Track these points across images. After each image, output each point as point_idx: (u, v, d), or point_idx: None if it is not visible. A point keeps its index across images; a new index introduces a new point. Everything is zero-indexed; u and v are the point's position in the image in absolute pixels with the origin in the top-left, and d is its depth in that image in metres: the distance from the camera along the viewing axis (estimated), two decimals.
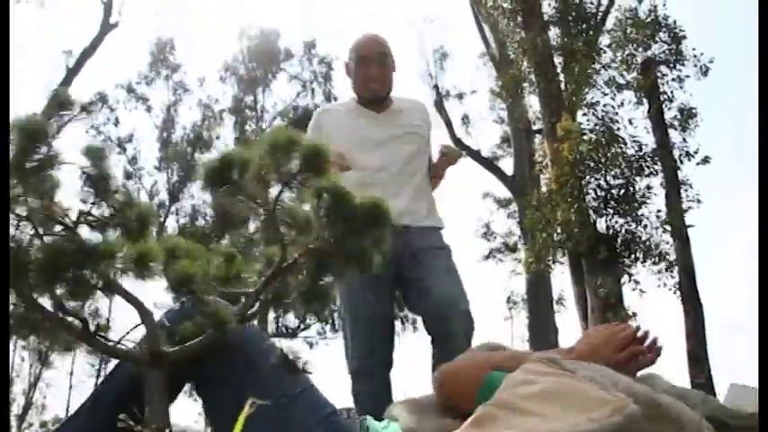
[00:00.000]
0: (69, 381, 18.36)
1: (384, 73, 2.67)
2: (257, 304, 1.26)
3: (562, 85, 9.59)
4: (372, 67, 2.65)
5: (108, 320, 1.33)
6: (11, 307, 1.20)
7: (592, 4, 9.93)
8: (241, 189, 1.18)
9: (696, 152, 8.96)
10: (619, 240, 8.47)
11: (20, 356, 18.22)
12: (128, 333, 1.27)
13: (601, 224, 8.64)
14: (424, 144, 2.77)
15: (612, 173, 8.62)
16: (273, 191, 1.18)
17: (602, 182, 8.65)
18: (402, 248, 2.45)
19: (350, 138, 2.61)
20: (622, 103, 8.95)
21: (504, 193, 15.34)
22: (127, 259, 1.21)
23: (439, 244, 2.63)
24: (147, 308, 1.23)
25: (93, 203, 1.25)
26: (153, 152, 19.61)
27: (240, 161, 1.17)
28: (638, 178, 8.63)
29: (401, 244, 2.43)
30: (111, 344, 1.21)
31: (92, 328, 1.18)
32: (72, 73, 13.02)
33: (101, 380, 1.42)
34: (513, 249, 15.61)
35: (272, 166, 1.15)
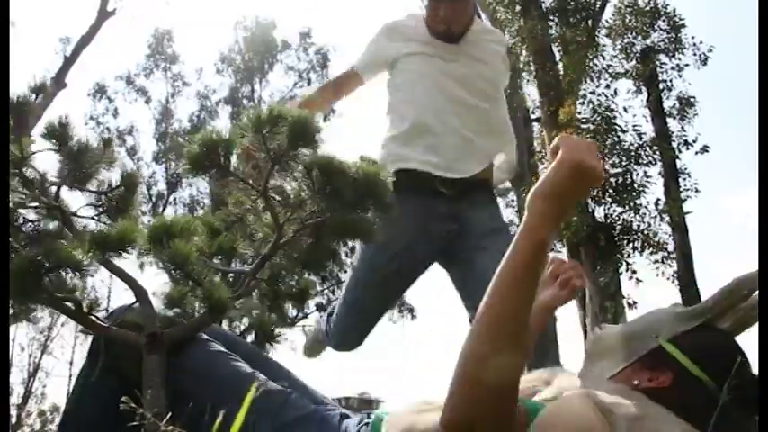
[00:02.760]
0: (69, 370, 18.41)
1: (457, 11, 2.26)
2: (253, 283, 1.24)
3: (561, 74, 9.56)
4: (441, 7, 2.23)
5: (107, 310, 1.32)
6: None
7: None
8: (229, 171, 1.15)
9: (695, 141, 8.96)
10: (617, 229, 8.47)
11: (19, 346, 18.26)
12: (126, 309, 1.26)
13: (599, 213, 8.64)
14: (496, 83, 2.41)
15: (611, 162, 8.61)
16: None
17: None
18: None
19: (416, 71, 2.30)
20: (616, 92, 8.92)
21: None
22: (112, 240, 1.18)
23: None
24: (144, 288, 1.22)
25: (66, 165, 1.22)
26: (151, 144, 19.61)
27: (224, 142, 1.14)
28: (636, 167, 8.62)
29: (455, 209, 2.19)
30: (105, 324, 1.20)
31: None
32: (69, 61, 12.94)
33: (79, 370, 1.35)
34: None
35: (259, 144, 1.13)
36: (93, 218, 1.27)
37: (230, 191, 1.25)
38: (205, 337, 1.30)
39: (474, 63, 2.33)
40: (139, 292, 1.23)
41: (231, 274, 1.39)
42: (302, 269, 1.25)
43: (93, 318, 1.21)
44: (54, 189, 1.22)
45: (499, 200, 15.23)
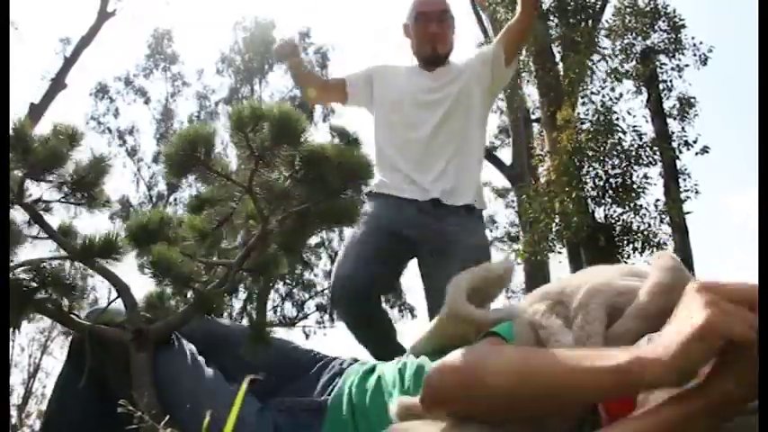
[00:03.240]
0: None
1: (444, 31, 2.54)
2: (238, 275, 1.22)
3: (561, 74, 9.54)
4: (432, 24, 2.51)
5: (108, 302, 1.30)
6: None
7: None
8: (211, 169, 1.13)
9: (695, 142, 8.93)
10: (617, 230, 8.44)
11: (19, 346, 18.25)
12: (106, 307, 1.24)
13: (599, 213, 8.61)
14: (465, 103, 2.50)
15: (611, 162, 8.58)
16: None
17: (600, 171, 8.61)
18: (429, 227, 2.35)
19: (393, 92, 2.55)
20: (621, 95, 8.90)
21: (503, 182, 15.32)
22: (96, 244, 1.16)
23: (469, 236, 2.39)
24: (125, 283, 1.20)
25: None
26: (151, 144, 19.59)
27: (203, 139, 1.12)
28: (636, 168, 8.58)
29: (428, 221, 2.34)
30: (87, 323, 1.18)
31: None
32: (69, 62, 12.93)
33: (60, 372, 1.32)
34: (515, 239, 15.56)
35: (240, 141, 1.11)
36: (60, 200, 1.24)
37: (214, 188, 1.23)
38: (175, 344, 1.26)
39: (443, 99, 2.49)
40: (122, 288, 1.22)
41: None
42: (285, 254, 1.23)
43: (74, 317, 1.19)
44: (16, 183, 1.20)
45: (499, 200, 14.95)
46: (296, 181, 1.13)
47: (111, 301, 1.27)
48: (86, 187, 1.24)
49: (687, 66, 9.18)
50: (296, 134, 1.15)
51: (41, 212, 1.19)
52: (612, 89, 8.93)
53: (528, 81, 10.41)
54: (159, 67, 19.59)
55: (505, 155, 14.28)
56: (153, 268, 1.24)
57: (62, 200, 1.25)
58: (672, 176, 8.71)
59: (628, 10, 9.29)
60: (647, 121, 9.07)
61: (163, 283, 1.26)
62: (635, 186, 8.48)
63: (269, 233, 1.18)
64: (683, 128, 9.05)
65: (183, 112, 20.65)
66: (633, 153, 8.55)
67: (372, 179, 1.17)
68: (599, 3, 9.83)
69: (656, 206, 8.54)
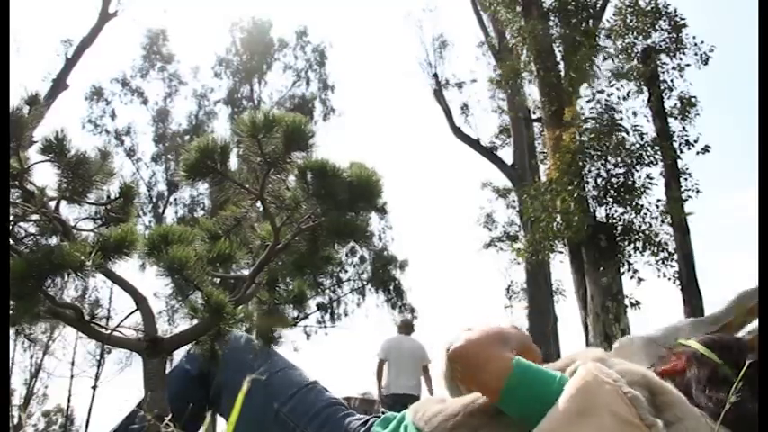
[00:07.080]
0: (71, 370, 18.44)
1: None
2: (252, 288, 1.25)
3: (562, 74, 9.55)
4: None
5: (108, 310, 1.32)
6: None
7: None
8: (225, 176, 1.16)
9: (696, 141, 8.94)
10: (618, 229, 8.45)
11: (21, 346, 18.27)
12: (123, 320, 1.26)
13: (600, 213, 8.62)
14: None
15: (613, 162, 8.59)
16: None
17: (602, 171, 8.62)
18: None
19: None
20: (628, 95, 8.91)
21: (504, 182, 15.33)
22: (108, 242, 1.19)
23: None
24: (142, 294, 1.22)
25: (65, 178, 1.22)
26: (150, 144, 19.54)
27: (220, 148, 1.15)
28: (637, 167, 8.59)
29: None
30: (106, 331, 1.20)
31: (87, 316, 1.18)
32: (71, 63, 12.94)
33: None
34: (514, 239, 15.59)
35: (254, 148, 1.14)
36: (92, 230, 1.27)
37: (227, 196, 1.26)
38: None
39: None
40: (139, 299, 1.24)
41: (231, 281, 1.40)
42: (299, 273, 1.26)
43: (94, 325, 1.21)
44: (53, 203, 1.22)
45: (500, 200, 15.05)
46: (307, 194, 1.16)
47: (131, 313, 1.29)
48: (118, 215, 1.27)
49: (688, 65, 9.19)
50: (305, 140, 1.18)
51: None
52: (619, 88, 8.95)
53: (529, 81, 10.42)
54: (156, 67, 19.56)
55: (506, 154, 14.31)
56: (165, 266, 1.26)
57: (95, 230, 1.28)
58: (673, 176, 8.72)
59: (629, 9, 9.30)
60: (648, 121, 9.08)
61: (174, 281, 1.28)
62: (636, 186, 8.49)
63: (282, 249, 1.20)
64: (683, 127, 9.06)
65: (182, 111, 20.60)
66: (635, 153, 8.56)
67: (381, 198, 1.20)
68: (600, 2, 9.84)
69: (657, 206, 8.56)
